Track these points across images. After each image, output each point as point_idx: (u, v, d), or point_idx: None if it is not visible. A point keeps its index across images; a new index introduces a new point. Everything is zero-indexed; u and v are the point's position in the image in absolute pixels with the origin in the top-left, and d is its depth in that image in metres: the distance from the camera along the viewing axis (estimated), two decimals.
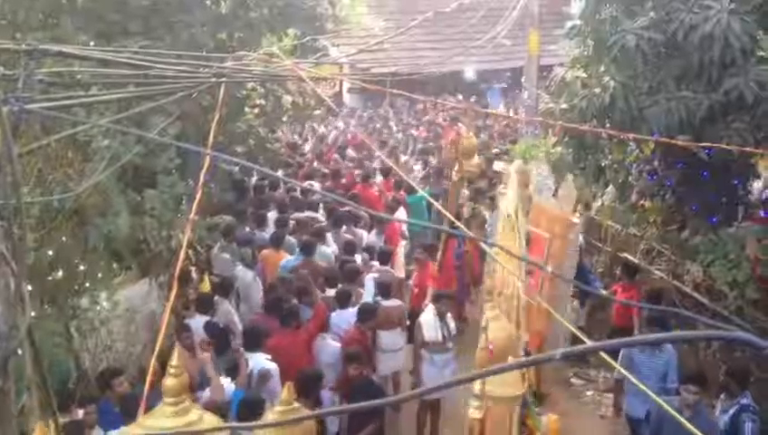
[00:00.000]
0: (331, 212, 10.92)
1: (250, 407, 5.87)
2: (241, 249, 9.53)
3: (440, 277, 9.44)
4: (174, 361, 3.04)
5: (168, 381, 2.99)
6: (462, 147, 8.89)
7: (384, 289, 8.43)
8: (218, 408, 5.72)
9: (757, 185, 9.98)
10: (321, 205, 11.52)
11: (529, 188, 6.61)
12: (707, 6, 7.58)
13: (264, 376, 6.69)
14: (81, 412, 6.14)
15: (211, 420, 3.14)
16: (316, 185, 12.26)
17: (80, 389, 6.72)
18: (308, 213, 11.08)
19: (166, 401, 2.99)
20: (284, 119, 13.48)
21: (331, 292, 8.47)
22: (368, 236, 10.79)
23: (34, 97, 2.88)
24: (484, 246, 4.97)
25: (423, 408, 8.01)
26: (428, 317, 7.86)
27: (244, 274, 9.12)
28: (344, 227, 10.63)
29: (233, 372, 6.74)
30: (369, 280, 8.80)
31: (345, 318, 8.00)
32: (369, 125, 20.32)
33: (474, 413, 5.17)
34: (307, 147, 17.60)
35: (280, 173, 12.13)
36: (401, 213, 11.47)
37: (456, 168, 8.97)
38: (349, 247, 9.70)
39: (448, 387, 6.02)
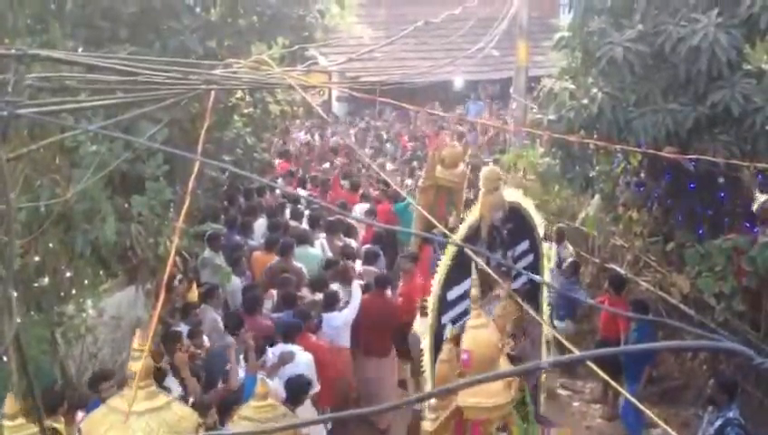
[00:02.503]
0: (314, 220, 10.91)
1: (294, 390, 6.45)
2: (231, 256, 9.52)
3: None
4: (136, 344, 3.09)
5: (133, 366, 3.04)
6: (443, 155, 8.86)
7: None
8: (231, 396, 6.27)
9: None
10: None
11: (498, 192, 5.93)
12: (695, 20, 7.63)
13: (284, 357, 6.86)
14: (81, 415, 6.12)
15: (182, 409, 3.17)
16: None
17: (66, 396, 6.67)
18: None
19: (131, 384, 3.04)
20: (269, 123, 13.46)
21: (318, 295, 8.60)
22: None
23: (24, 102, 2.86)
24: (472, 253, 4.96)
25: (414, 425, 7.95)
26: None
27: (232, 281, 9.07)
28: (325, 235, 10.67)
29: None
30: (356, 285, 8.79)
31: (331, 322, 8.20)
32: (359, 135, 20.34)
33: (426, 425, 5.09)
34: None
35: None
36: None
37: (425, 175, 8.92)
38: (346, 252, 9.78)
39: (448, 393, 5.94)
